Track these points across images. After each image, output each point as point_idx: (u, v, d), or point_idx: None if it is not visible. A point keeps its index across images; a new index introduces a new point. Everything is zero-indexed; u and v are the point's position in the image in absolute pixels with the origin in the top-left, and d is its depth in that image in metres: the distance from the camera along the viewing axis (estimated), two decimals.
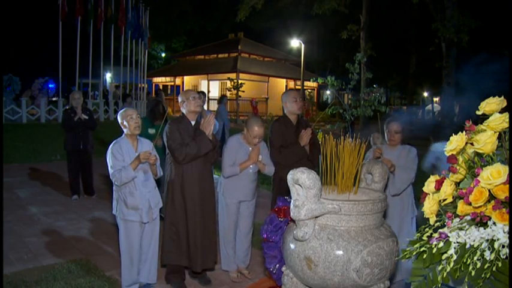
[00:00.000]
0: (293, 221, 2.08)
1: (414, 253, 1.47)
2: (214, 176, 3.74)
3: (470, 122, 1.51)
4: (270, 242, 2.77)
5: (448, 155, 1.53)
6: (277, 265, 2.72)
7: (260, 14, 21.00)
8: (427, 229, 1.54)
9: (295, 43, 23.30)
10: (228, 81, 23.55)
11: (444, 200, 1.52)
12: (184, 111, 3.45)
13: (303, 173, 1.92)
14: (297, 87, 27.71)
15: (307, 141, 3.68)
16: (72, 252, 4.23)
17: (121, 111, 3.32)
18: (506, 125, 1.41)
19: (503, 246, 1.28)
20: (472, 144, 1.48)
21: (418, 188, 3.30)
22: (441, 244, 1.40)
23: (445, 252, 1.38)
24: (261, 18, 26.34)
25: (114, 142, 3.25)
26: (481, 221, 1.35)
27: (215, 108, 26.02)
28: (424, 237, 1.49)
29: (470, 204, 1.37)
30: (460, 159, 1.52)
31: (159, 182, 3.60)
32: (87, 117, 6.28)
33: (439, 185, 1.53)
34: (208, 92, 24.99)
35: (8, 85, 15.49)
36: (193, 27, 35.36)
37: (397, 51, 25.69)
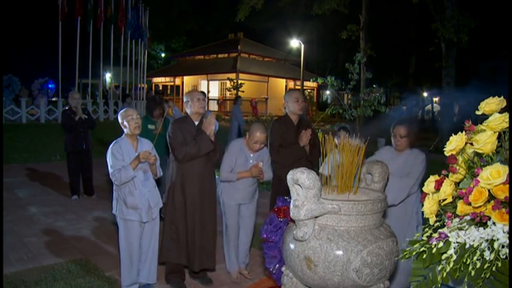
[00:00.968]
0: (293, 221, 2.08)
1: (414, 253, 1.47)
2: (216, 176, 3.73)
3: (470, 122, 1.51)
4: (270, 242, 2.77)
5: (447, 155, 1.53)
6: (277, 265, 2.72)
7: (260, 14, 20.99)
8: (426, 229, 1.54)
9: (295, 43, 23.29)
10: (228, 81, 23.56)
11: (444, 200, 1.52)
12: (188, 111, 3.47)
13: (303, 173, 1.92)
14: (296, 87, 27.73)
15: (307, 142, 3.68)
16: (72, 252, 4.23)
17: (121, 111, 3.33)
18: (506, 125, 1.41)
19: (503, 246, 1.28)
20: (471, 144, 1.48)
21: None
22: (441, 244, 1.40)
23: (445, 252, 1.38)
24: (261, 18, 26.34)
25: (114, 142, 3.27)
26: (480, 221, 1.35)
27: (215, 108, 26.10)
28: (424, 237, 1.49)
29: (470, 204, 1.37)
30: (460, 159, 1.52)
31: (159, 182, 3.60)
32: (86, 117, 6.30)
33: (438, 185, 1.53)
34: (208, 92, 25.02)
35: (7, 85, 15.49)
36: (193, 27, 35.38)
37: (397, 51, 25.67)
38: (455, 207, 1.46)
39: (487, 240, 1.32)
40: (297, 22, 24.72)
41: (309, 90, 29.58)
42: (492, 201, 1.33)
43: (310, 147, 3.74)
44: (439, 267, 1.39)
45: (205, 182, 3.43)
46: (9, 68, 17.71)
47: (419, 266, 1.44)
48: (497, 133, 1.43)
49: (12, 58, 25.06)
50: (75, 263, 3.93)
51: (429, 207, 1.56)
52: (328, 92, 33.54)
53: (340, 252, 1.93)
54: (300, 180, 1.92)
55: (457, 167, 1.50)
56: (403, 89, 30.08)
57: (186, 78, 30.04)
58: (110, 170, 3.19)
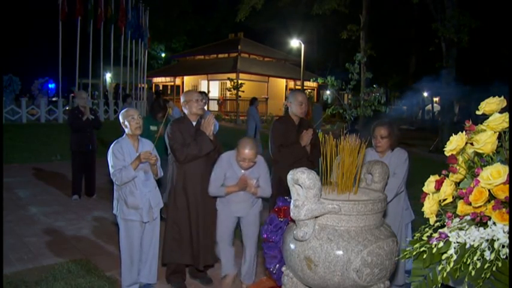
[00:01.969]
0: (293, 221, 2.08)
1: (414, 253, 1.47)
2: None
3: (470, 122, 1.51)
4: (270, 242, 2.77)
5: (448, 154, 1.53)
6: (277, 265, 2.72)
7: (260, 14, 20.97)
8: (427, 229, 1.54)
9: (295, 43, 23.29)
10: (228, 81, 23.56)
11: (444, 200, 1.52)
12: (186, 111, 3.46)
13: (303, 173, 1.92)
14: (296, 87, 27.73)
15: (308, 142, 3.68)
16: (72, 252, 4.23)
17: (122, 111, 3.34)
18: (506, 125, 1.41)
19: (503, 246, 1.28)
20: (472, 144, 1.48)
21: (414, 189, 3.25)
22: (441, 244, 1.40)
23: (445, 252, 1.38)
24: (261, 18, 26.33)
25: (115, 142, 3.27)
26: (481, 221, 1.35)
27: (215, 108, 26.09)
28: (424, 237, 1.49)
29: (470, 204, 1.37)
30: (460, 159, 1.52)
31: (159, 182, 3.60)
32: (93, 117, 6.29)
33: (439, 185, 1.53)
34: (208, 92, 25.00)
35: (7, 85, 15.51)
36: (193, 27, 35.39)
37: (397, 51, 25.67)
38: (456, 207, 1.46)
39: (487, 240, 1.32)
40: (297, 22, 24.72)
41: (309, 90, 29.58)
42: (492, 201, 1.33)
43: (311, 147, 3.74)
44: (439, 267, 1.39)
45: (206, 182, 3.43)
46: (9, 68, 17.71)
47: (420, 266, 1.44)
48: (498, 133, 1.43)
49: (12, 58, 25.07)
50: (76, 263, 3.93)
51: (429, 207, 1.56)
52: (328, 92, 33.51)
53: (340, 252, 1.93)
54: (300, 180, 1.92)
55: (457, 167, 1.50)
56: (403, 89, 30.09)
57: (186, 78, 30.04)
58: (111, 170, 3.19)
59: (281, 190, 3.31)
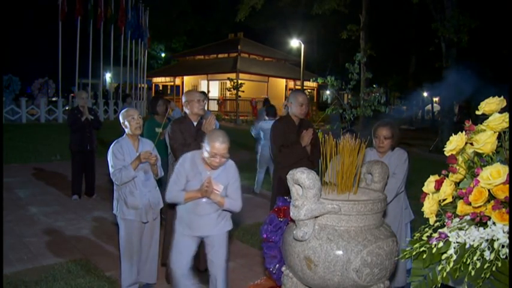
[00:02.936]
0: (293, 221, 2.08)
1: (414, 253, 1.47)
2: None
3: (470, 122, 1.51)
4: (270, 242, 2.77)
5: (448, 154, 1.53)
6: (277, 265, 2.72)
7: (260, 14, 21.01)
8: (426, 229, 1.54)
9: (295, 43, 23.32)
10: (228, 81, 23.56)
11: (444, 200, 1.52)
12: (187, 111, 3.46)
13: (303, 173, 1.92)
14: (296, 87, 27.73)
15: (308, 142, 3.69)
16: (72, 252, 4.23)
17: (123, 111, 3.34)
18: (506, 124, 1.41)
19: (503, 246, 1.28)
20: (471, 144, 1.48)
21: (414, 189, 3.26)
22: (441, 244, 1.40)
23: (445, 252, 1.38)
24: (261, 18, 26.37)
25: (115, 142, 3.27)
26: (480, 221, 1.35)
27: (215, 109, 26.08)
28: (424, 237, 1.49)
29: (470, 204, 1.37)
30: (460, 159, 1.52)
31: (160, 182, 3.60)
32: (93, 117, 6.28)
33: (438, 185, 1.53)
34: (208, 92, 25.00)
35: (7, 85, 15.53)
36: (193, 27, 35.38)
37: (397, 51, 25.69)
38: (455, 207, 1.46)
39: (487, 240, 1.32)
40: (297, 22, 24.73)
41: (309, 90, 29.59)
42: (492, 201, 1.33)
43: (311, 147, 3.74)
44: (439, 267, 1.39)
45: None
46: (9, 68, 17.73)
47: (420, 266, 1.44)
48: (497, 133, 1.43)
49: (12, 58, 25.09)
50: (75, 263, 3.93)
51: (429, 207, 1.56)
52: (328, 92, 33.54)
53: (340, 252, 1.93)
54: (300, 180, 1.92)
55: (457, 167, 1.50)
56: (403, 89, 30.10)
57: (186, 78, 30.05)
58: (111, 169, 3.19)
59: (281, 190, 3.31)
